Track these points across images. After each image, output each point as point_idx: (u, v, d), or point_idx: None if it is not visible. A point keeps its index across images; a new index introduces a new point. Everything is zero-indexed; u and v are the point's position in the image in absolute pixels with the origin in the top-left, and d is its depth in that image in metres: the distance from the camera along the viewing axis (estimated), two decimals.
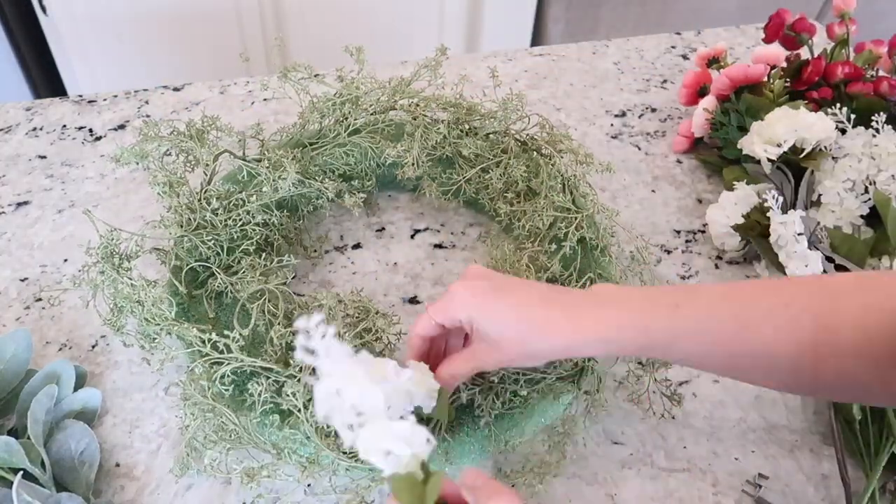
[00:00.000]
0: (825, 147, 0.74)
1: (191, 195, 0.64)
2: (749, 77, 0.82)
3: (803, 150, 0.73)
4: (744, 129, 0.80)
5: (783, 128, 0.73)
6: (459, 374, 0.49)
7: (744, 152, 0.77)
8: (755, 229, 0.72)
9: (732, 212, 0.73)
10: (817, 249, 0.66)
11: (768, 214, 0.69)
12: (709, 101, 0.85)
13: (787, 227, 0.66)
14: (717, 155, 0.85)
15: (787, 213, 0.67)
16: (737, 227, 0.73)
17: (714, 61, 0.89)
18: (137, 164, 0.67)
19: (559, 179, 0.69)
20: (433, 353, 0.53)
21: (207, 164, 0.66)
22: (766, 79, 0.83)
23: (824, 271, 0.65)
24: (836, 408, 0.59)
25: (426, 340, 0.51)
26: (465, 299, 0.47)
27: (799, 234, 0.65)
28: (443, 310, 0.48)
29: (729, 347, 0.43)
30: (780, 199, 0.68)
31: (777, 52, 0.83)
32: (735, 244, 0.74)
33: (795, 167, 0.73)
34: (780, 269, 0.67)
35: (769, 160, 0.74)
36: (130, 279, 0.58)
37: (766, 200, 0.68)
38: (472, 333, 0.48)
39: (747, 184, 0.75)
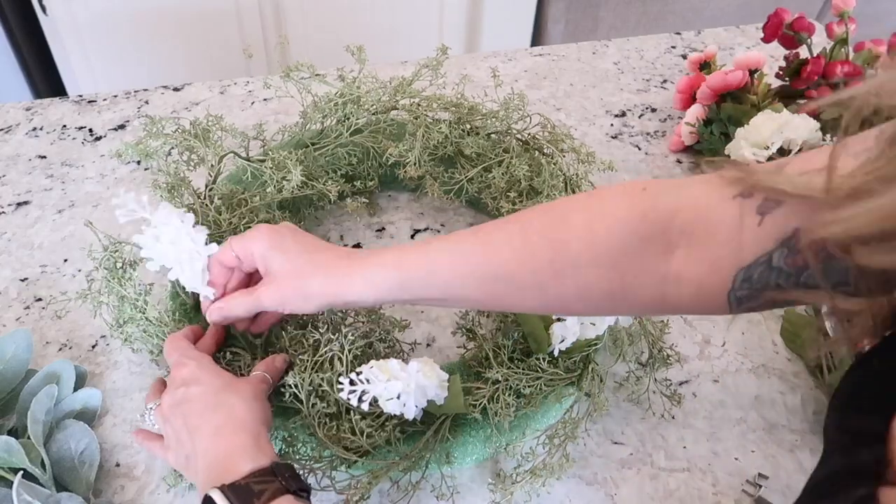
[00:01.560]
0: (811, 146, 0.74)
1: (194, 196, 0.65)
2: (728, 84, 0.82)
3: (790, 150, 0.74)
4: (727, 137, 0.81)
5: (769, 130, 0.74)
6: (234, 309, 0.52)
7: (731, 158, 0.78)
8: None
9: None
10: None
11: None
12: (695, 110, 0.86)
13: None
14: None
15: None
16: None
17: (706, 65, 0.90)
18: (138, 163, 0.67)
19: (561, 178, 0.69)
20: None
21: (212, 165, 0.66)
22: (749, 83, 0.83)
23: None
24: None
25: (225, 269, 0.53)
26: (263, 233, 0.50)
27: None
28: (242, 239, 0.51)
29: (479, 272, 0.46)
30: None
31: (758, 56, 0.84)
32: None
33: None
34: None
35: (758, 163, 0.74)
36: (134, 289, 0.58)
37: None
38: (262, 273, 0.51)
39: None
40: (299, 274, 0.49)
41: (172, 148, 0.66)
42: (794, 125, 0.73)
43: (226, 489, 0.41)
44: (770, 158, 0.74)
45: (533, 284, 0.45)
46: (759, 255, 0.39)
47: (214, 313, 0.53)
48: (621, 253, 0.42)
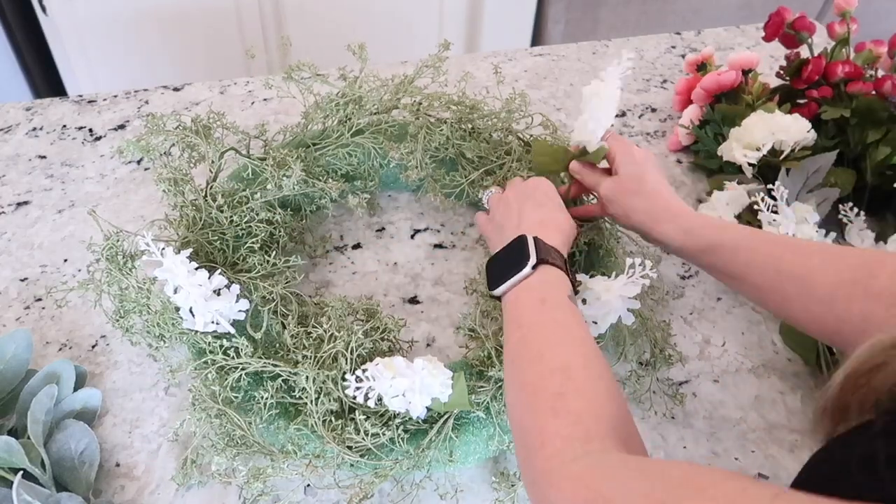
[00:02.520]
0: (804, 147, 0.74)
1: (196, 192, 0.64)
2: (721, 85, 0.83)
3: (782, 151, 0.74)
4: (722, 137, 0.81)
5: (760, 132, 0.74)
6: (586, 174, 0.64)
7: (724, 159, 0.78)
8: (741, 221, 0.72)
9: (724, 212, 0.73)
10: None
11: (759, 217, 0.69)
12: (691, 111, 0.86)
13: (779, 228, 0.66)
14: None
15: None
16: None
17: (703, 66, 0.90)
18: (139, 162, 0.67)
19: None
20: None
21: (213, 161, 0.66)
22: (743, 83, 0.83)
23: None
24: None
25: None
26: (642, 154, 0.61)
27: (792, 235, 0.66)
28: (628, 147, 0.62)
29: (778, 264, 0.49)
30: (770, 201, 0.68)
31: (750, 56, 0.84)
32: None
33: (776, 169, 0.74)
34: None
35: (749, 164, 0.74)
36: (137, 282, 0.58)
37: (756, 202, 0.68)
38: (615, 171, 0.61)
39: (739, 183, 0.75)
40: (639, 193, 0.58)
41: (173, 145, 0.66)
42: (786, 126, 0.74)
43: (537, 240, 0.52)
44: (761, 160, 0.74)
45: (824, 298, 0.46)
46: None
47: (574, 165, 0.65)
48: None
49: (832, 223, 0.73)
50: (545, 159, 0.67)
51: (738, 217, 0.72)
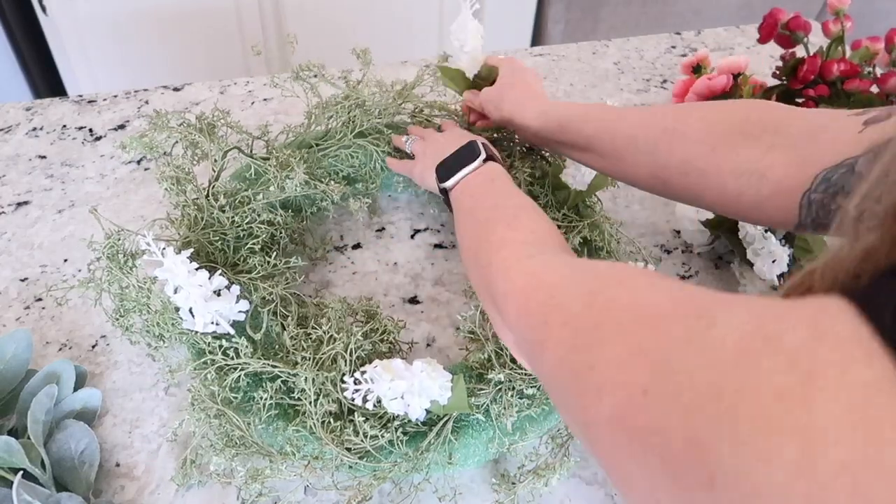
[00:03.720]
0: None
1: (198, 191, 0.64)
2: (713, 90, 0.83)
3: None
4: None
5: None
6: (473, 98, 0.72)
7: None
8: (724, 224, 0.72)
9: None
10: (788, 245, 0.66)
11: None
12: None
13: (755, 226, 0.66)
14: None
15: None
16: (706, 223, 0.73)
17: (698, 68, 0.90)
18: (139, 162, 0.67)
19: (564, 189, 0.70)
20: None
21: (216, 160, 0.66)
22: (734, 86, 0.84)
23: (788, 272, 0.66)
24: None
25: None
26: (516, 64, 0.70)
27: (767, 231, 0.66)
28: (507, 58, 0.72)
29: (615, 132, 0.57)
30: None
31: (739, 60, 0.85)
32: (703, 240, 0.75)
33: None
34: (751, 264, 0.68)
35: None
36: (138, 281, 0.58)
37: None
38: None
39: None
40: (511, 85, 0.67)
41: (176, 142, 0.66)
42: None
43: (485, 143, 0.60)
44: None
45: (649, 148, 0.54)
46: (845, 159, 0.40)
47: (467, 95, 0.73)
48: (725, 137, 0.49)
49: None
50: (451, 82, 0.75)
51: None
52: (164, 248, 0.53)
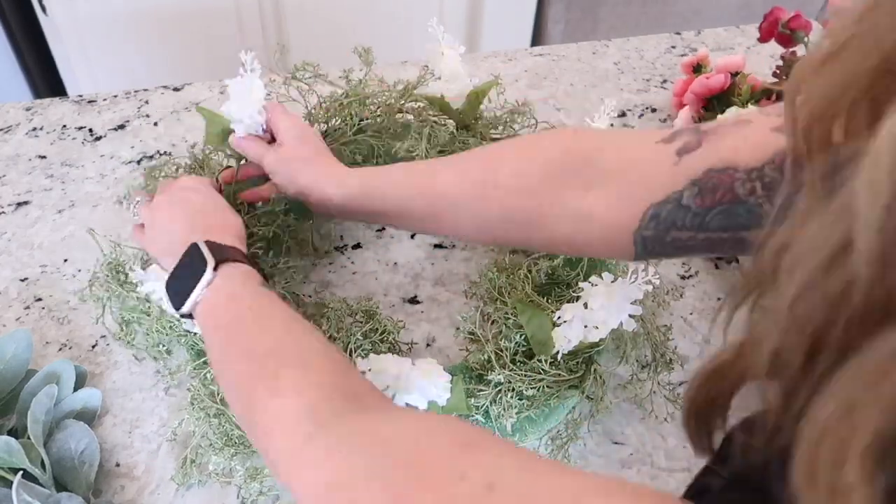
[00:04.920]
0: None
1: None
2: (711, 89, 0.83)
3: None
4: None
5: None
6: (248, 148, 0.62)
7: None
8: None
9: None
10: None
11: None
12: (686, 114, 0.86)
13: None
14: None
15: None
16: None
17: (698, 68, 0.90)
18: (139, 162, 0.67)
19: None
20: None
21: (216, 179, 0.66)
22: (732, 85, 0.84)
23: None
24: None
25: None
26: (298, 120, 0.63)
27: None
28: (282, 112, 0.63)
29: (425, 192, 0.52)
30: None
31: (736, 59, 0.85)
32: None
33: None
34: None
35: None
36: (136, 293, 0.58)
37: None
38: (280, 142, 0.61)
39: None
40: (304, 158, 0.58)
41: (177, 169, 0.68)
42: None
43: (209, 243, 0.50)
44: None
45: (465, 204, 0.50)
46: (669, 194, 0.40)
47: (237, 141, 0.62)
48: (542, 182, 0.46)
49: None
50: (214, 133, 0.66)
51: None
52: (152, 266, 0.53)
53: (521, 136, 0.50)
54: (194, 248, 0.49)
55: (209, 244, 0.49)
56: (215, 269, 0.48)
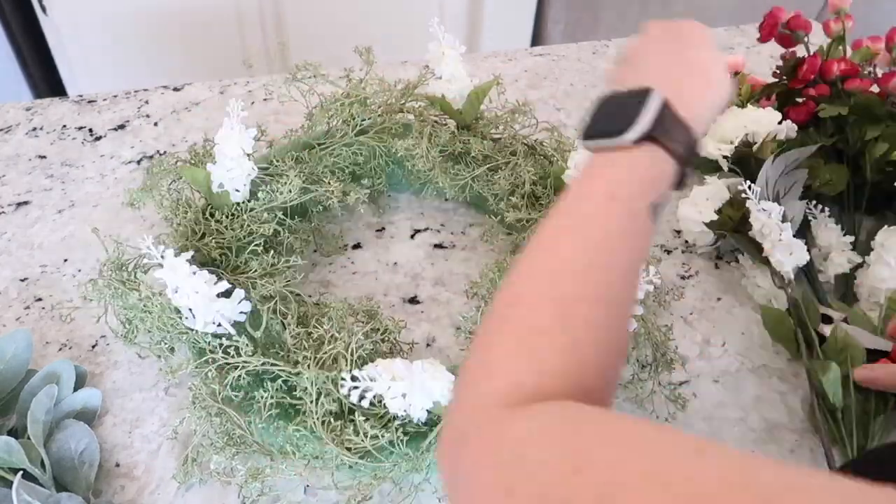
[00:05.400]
0: (774, 137, 0.76)
1: (196, 211, 0.65)
2: None
3: (754, 142, 0.75)
4: None
5: (732, 125, 0.76)
6: None
7: (701, 155, 0.79)
8: (728, 225, 0.72)
9: (705, 207, 0.73)
10: (802, 237, 0.67)
11: (744, 209, 0.69)
12: None
13: (770, 216, 0.66)
14: None
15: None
16: (710, 224, 0.73)
17: None
18: (139, 162, 0.67)
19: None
20: None
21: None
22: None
23: (810, 261, 0.67)
24: (818, 399, 0.60)
25: None
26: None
27: (783, 222, 0.66)
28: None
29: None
30: (758, 189, 0.68)
31: (736, 58, 0.86)
32: (707, 240, 0.74)
33: (750, 161, 0.75)
34: (765, 261, 0.68)
35: (724, 157, 0.76)
36: (138, 291, 0.58)
37: (739, 193, 0.69)
38: None
39: (719, 178, 0.76)
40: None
41: (174, 181, 0.68)
42: (757, 119, 0.75)
43: (665, 107, 0.37)
44: (735, 154, 0.76)
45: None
46: None
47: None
48: None
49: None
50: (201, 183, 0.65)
51: (719, 211, 0.73)
52: (163, 251, 0.53)
53: None
54: (645, 93, 0.37)
55: (663, 109, 0.37)
56: (637, 141, 0.36)
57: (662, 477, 0.22)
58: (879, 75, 0.78)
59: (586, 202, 0.36)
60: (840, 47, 0.81)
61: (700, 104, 0.40)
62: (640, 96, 0.37)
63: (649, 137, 0.36)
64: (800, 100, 0.81)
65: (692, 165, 0.39)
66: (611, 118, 0.38)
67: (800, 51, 0.83)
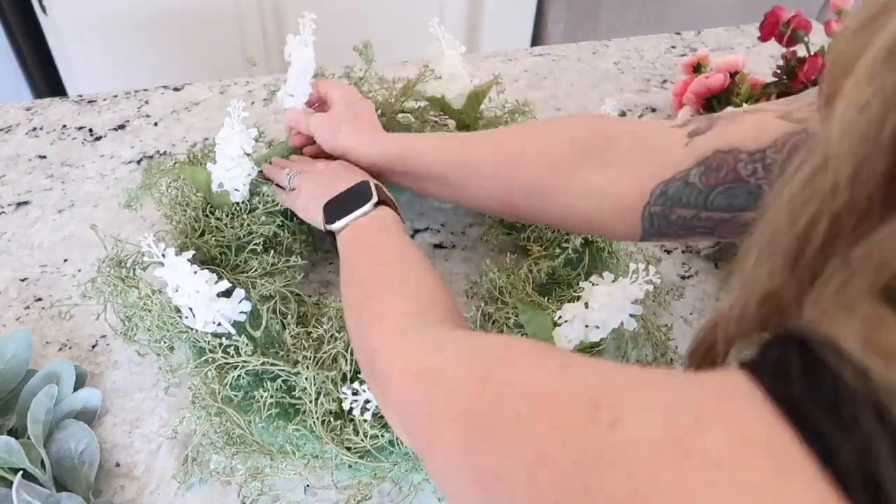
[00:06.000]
0: None
1: (196, 208, 0.65)
2: (710, 88, 0.84)
3: None
4: None
5: None
6: (301, 121, 0.66)
7: None
8: None
9: None
10: None
11: None
12: (685, 113, 0.87)
13: None
14: None
15: None
16: None
17: (699, 67, 0.90)
18: (139, 162, 0.67)
19: None
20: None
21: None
22: (732, 84, 0.84)
23: None
24: None
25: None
26: (348, 89, 0.67)
27: None
28: (331, 84, 0.68)
29: (459, 160, 0.56)
30: None
31: (735, 58, 0.86)
32: (708, 242, 0.75)
33: None
34: None
35: None
36: (138, 289, 0.59)
37: None
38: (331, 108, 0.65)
39: None
40: (346, 120, 0.63)
41: (173, 181, 0.68)
42: None
43: (378, 185, 0.56)
44: None
45: (494, 174, 0.54)
46: (678, 172, 0.44)
47: (286, 114, 0.68)
48: (564, 157, 0.50)
49: None
50: (202, 184, 0.67)
51: None
52: (164, 250, 0.53)
53: (553, 117, 0.54)
54: (364, 183, 0.55)
55: (377, 186, 0.56)
56: (376, 205, 0.54)
57: (531, 386, 0.28)
58: None
59: (369, 236, 0.53)
60: None
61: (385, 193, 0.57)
62: (362, 185, 0.56)
63: (379, 203, 0.54)
64: None
65: (397, 208, 0.56)
66: (347, 205, 0.55)
67: (800, 50, 0.83)
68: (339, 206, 0.55)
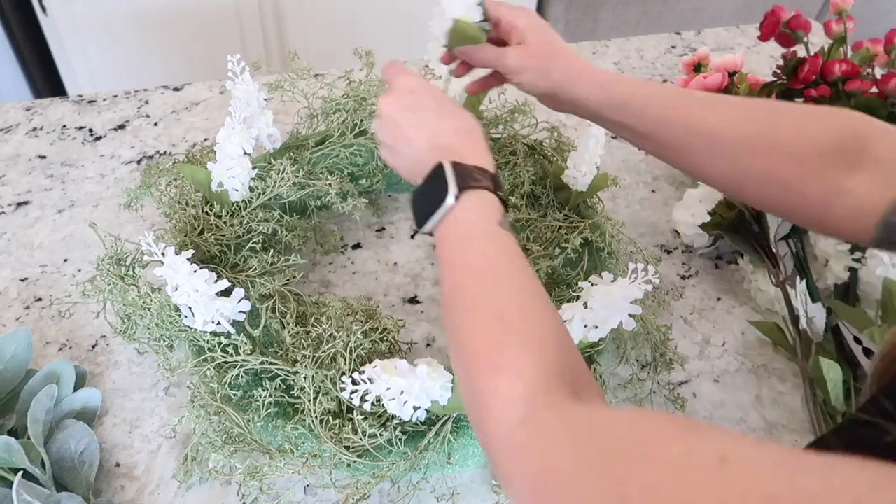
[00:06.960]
0: None
1: (196, 206, 0.65)
2: (708, 88, 0.84)
3: None
4: None
5: None
6: (478, 52, 0.58)
7: None
8: (724, 226, 0.72)
9: (698, 210, 0.73)
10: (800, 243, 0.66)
11: (738, 208, 0.69)
12: None
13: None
14: None
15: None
16: (705, 226, 0.73)
17: (699, 67, 0.90)
18: (139, 162, 0.68)
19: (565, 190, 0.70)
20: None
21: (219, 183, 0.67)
22: (730, 84, 0.84)
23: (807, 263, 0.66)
24: (815, 399, 0.60)
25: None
26: (534, 14, 0.57)
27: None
28: (512, 8, 0.57)
29: (686, 120, 0.50)
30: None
31: (734, 58, 0.86)
32: (704, 242, 0.74)
33: None
34: (764, 261, 0.68)
35: None
36: (137, 287, 0.59)
37: None
38: (513, 40, 0.57)
39: None
40: (559, 52, 0.55)
41: (171, 182, 0.68)
42: None
43: (455, 165, 0.46)
44: None
45: (734, 150, 0.49)
46: None
47: (463, 53, 0.59)
48: (814, 152, 0.46)
49: None
50: (202, 183, 0.66)
51: (712, 213, 0.72)
52: (164, 248, 0.53)
53: (808, 105, 0.50)
54: (439, 169, 0.46)
55: (455, 166, 0.46)
56: (458, 196, 0.45)
57: (681, 491, 0.25)
58: (878, 77, 0.78)
59: (457, 252, 0.44)
60: (841, 48, 0.81)
61: (471, 148, 0.49)
62: (435, 173, 0.46)
63: (461, 190, 0.45)
64: (800, 100, 0.81)
65: (502, 189, 0.47)
66: (429, 199, 0.46)
67: (800, 51, 0.83)
68: (422, 202, 0.47)
